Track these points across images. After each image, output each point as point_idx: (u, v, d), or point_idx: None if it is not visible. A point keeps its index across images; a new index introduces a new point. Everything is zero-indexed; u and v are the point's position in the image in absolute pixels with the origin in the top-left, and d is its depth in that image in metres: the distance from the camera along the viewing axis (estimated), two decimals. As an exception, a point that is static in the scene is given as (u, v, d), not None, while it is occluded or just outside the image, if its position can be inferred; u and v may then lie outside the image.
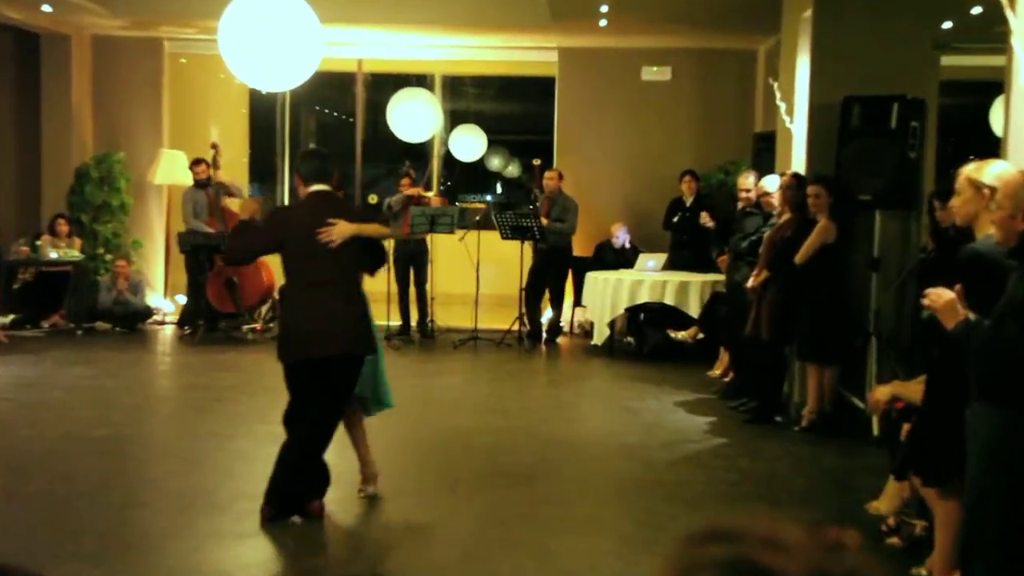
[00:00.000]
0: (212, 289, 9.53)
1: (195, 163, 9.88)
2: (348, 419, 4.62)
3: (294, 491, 4.32)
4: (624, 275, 9.09)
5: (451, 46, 11.32)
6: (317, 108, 14.82)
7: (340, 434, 4.54)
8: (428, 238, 9.94)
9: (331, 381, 4.29)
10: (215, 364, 8.41)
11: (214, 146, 9.72)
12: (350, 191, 11.82)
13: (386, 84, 12.29)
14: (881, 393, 4.10)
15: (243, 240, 4.44)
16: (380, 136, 12.75)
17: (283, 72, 6.18)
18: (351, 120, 12.18)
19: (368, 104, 12.23)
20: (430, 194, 10.26)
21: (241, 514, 4.44)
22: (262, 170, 12.72)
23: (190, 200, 9.82)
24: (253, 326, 9.70)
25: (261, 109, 12.26)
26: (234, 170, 10.14)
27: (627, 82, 10.89)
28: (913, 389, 3.95)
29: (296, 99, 12.44)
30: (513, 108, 16.79)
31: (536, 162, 10.34)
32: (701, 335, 8.53)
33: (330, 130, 15.11)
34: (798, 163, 7.05)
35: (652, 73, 10.90)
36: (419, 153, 12.85)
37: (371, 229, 4.44)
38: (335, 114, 14.94)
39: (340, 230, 4.27)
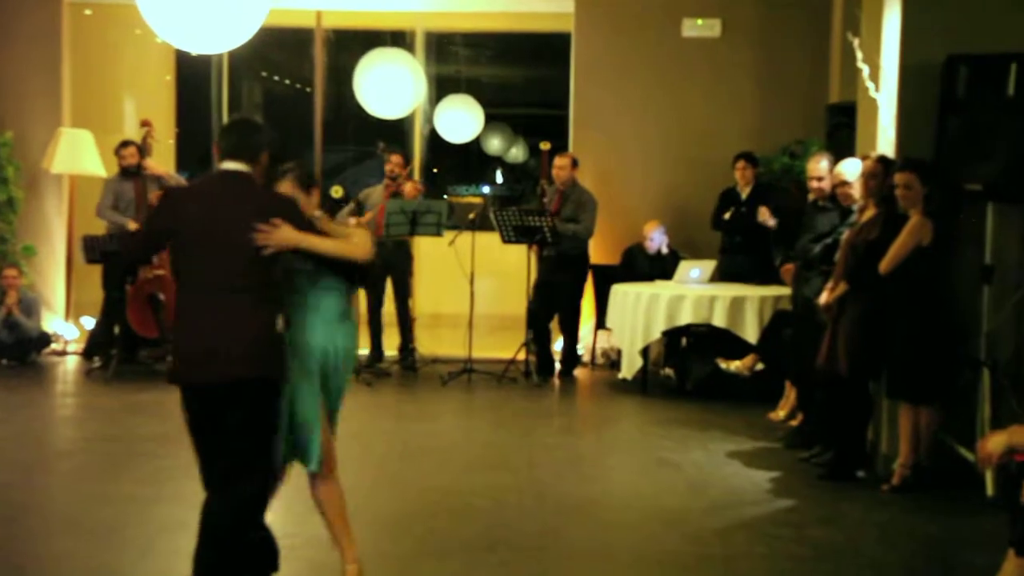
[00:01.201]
0: (133, 309, 9.52)
1: (122, 146, 9.90)
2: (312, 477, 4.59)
3: (226, 573, 4.27)
4: (661, 289, 9.08)
5: (436, -6, 11.38)
6: (264, 75, 14.87)
7: (288, 488, 4.51)
8: (410, 242, 9.94)
9: (235, 418, 4.18)
10: (132, 406, 8.38)
11: (145, 123, 9.72)
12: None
13: (353, 43, 12.34)
14: (994, 443, 4.06)
15: (136, 235, 4.38)
16: (346, 111, 12.80)
17: (219, 28, 6.19)
18: (308, 90, 12.20)
19: (330, 70, 12.28)
20: (407, 185, 10.20)
21: (163, 601, 4.42)
22: (193, 154, 12.75)
23: (112, 191, 9.82)
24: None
25: (191, 76, 12.28)
26: (156, 154, 10.14)
27: (664, 39, 10.90)
28: (1037, 436, 3.93)
29: (237, 63, 12.48)
30: (517, 74, 16.83)
31: (545, 146, 10.34)
32: (760, 366, 8.51)
33: (281, 103, 15.13)
34: (885, 143, 7.05)
35: (696, 27, 10.93)
36: (396, 132, 12.86)
37: (327, 246, 4.31)
38: (287, 83, 14.98)
39: (283, 237, 4.17)
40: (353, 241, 4.42)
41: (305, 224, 4.26)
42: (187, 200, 4.35)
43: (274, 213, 4.18)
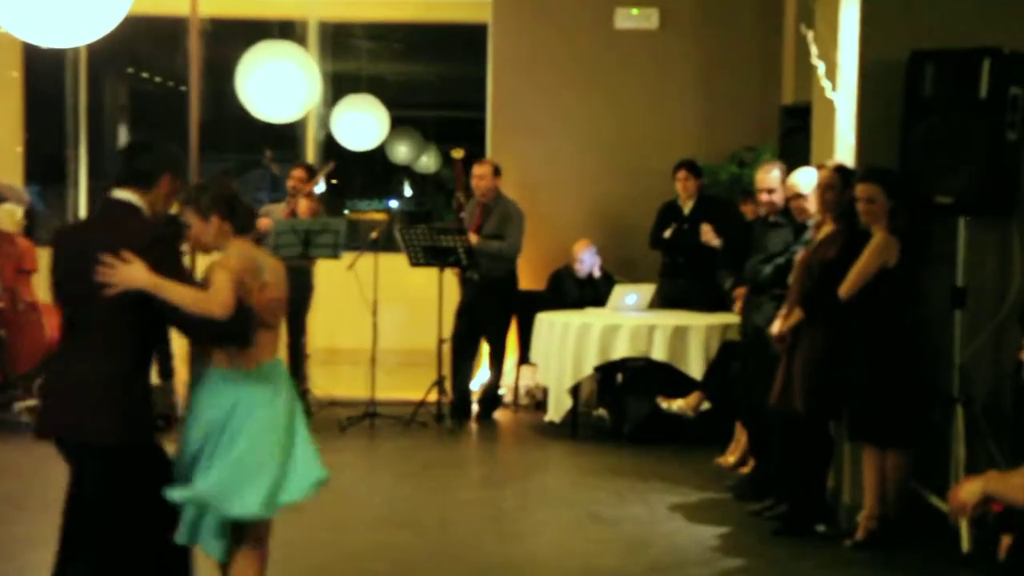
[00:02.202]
0: (-32, 348, 9.36)
1: None
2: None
3: None
4: (592, 318, 9.12)
5: (332, -22, 11.37)
6: (130, 72, 14.72)
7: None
8: (311, 268, 9.85)
9: (72, 485, 4.32)
10: (-28, 461, 8.22)
11: None
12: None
13: (235, 35, 12.22)
14: (968, 492, 4.09)
15: None
16: (227, 113, 12.65)
17: (74, 18, 6.11)
18: (182, 89, 12.09)
19: (208, 65, 12.13)
20: (301, 202, 10.10)
21: None
22: (44, 164, 12.57)
23: (-65, 209, 9.65)
24: (28, 403, 9.52)
25: (42, 73, 12.11)
26: (1, 164, 9.98)
27: (595, 32, 10.98)
28: (1015, 483, 3.98)
29: (97, 59, 12.32)
30: (427, 71, 16.82)
31: (457, 154, 10.35)
32: (706, 405, 8.55)
33: (150, 104, 14.98)
34: (844, 150, 7.13)
35: (631, 18, 11.02)
36: (286, 139, 12.79)
37: (178, 294, 4.16)
38: (157, 80, 14.84)
39: (129, 275, 4.12)
40: (212, 292, 4.26)
41: (171, 264, 4.21)
42: (66, 234, 4.53)
43: (129, 246, 4.13)
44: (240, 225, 4.50)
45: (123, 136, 14.40)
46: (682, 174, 9.80)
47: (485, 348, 10.18)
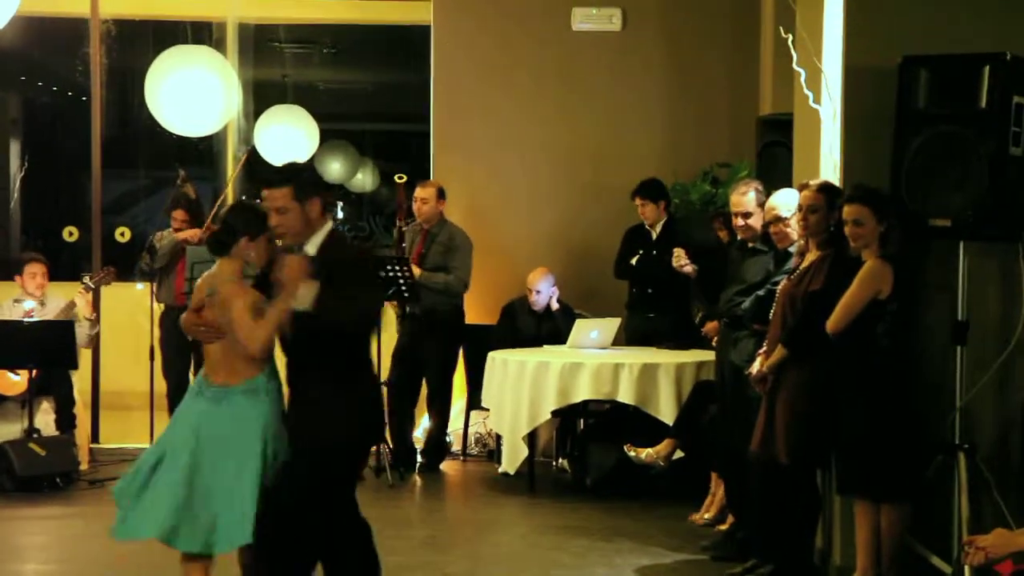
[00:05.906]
0: None
1: None
2: None
3: None
4: (550, 356, 9.12)
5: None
6: (23, 79, 14.63)
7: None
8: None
9: None
10: None
11: None
12: (84, 221, 11.64)
13: (142, 39, 12.20)
14: (977, 553, 4.13)
15: None
16: (134, 127, 12.63)
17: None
18: (83, 100, 12.03)
19: (112, 72, 12.11)
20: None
21: None
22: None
23: None
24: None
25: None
26: None
27: (550, 34, 11.01)
28: (1024, 542, 4.00)
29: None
30: (362, 79, 16.82)
31: (400, 179, 10.33)
32: (679, 454, 8.55)
33: (46, 117, 14.89)
34: (829, 167, 7.16)
35: (591, 18, 11.06)
36: (203, 155, 12.73)
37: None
38: (55, 90, 14.76)
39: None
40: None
41: None
42: None
43: None
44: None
45: (14, 152, 14.29)
46: (638, 201, 9.76)
47: (424, 391, 10.13)
